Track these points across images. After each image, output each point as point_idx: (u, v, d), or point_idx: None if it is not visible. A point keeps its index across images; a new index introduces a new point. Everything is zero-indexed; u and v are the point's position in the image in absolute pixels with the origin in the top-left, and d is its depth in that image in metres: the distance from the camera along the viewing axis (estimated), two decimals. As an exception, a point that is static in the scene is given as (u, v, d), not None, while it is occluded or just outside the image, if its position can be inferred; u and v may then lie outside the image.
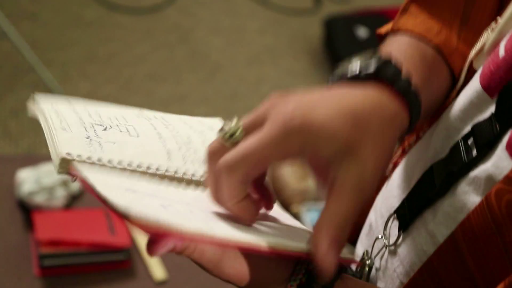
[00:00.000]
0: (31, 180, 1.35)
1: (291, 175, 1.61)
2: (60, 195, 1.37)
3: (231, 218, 0.48)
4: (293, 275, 0.48)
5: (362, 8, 2.97)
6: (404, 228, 0.55)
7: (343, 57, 2.59)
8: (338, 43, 2.72)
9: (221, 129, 0.48)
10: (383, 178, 0.64)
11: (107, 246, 1.30)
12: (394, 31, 0.61)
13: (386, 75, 0.50)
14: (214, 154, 0.48)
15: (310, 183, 1.61)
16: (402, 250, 0.55)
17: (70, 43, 2.63)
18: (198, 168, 0.55)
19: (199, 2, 3.03)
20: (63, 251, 1.28)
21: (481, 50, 0.55)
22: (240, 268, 0.48)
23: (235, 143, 0.47)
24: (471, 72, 0.56)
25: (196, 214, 0.48)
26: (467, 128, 0.52)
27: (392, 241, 0.56)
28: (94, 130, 0.55)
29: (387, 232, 0.57)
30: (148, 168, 0.53)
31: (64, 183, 1.39)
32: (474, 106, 0.52)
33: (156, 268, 1.31)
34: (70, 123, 0.55)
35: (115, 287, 1.30)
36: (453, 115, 0.55)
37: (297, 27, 2.99)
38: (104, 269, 1.31)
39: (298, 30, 2.97)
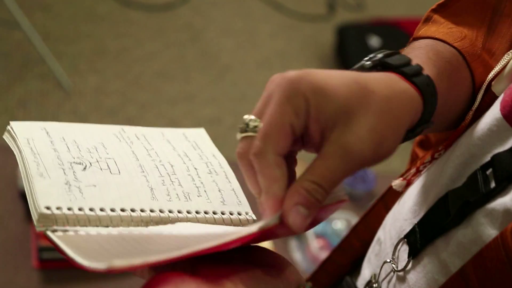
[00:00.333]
0: (34, 171, 1.35)
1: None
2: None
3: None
4: None
5: (376, 17, 2.95)
6: (414, 255, 0.54)
7: (354, 65, 2.57)
8: (349, 51, 2.71)
9: (239, 128, 0.47)
10: (394, 195, 0.63)
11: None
12: (415, 39, 0.59)
13: (393, 62, 0.49)
14: (242, 154, 0.46)
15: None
16: (412, 276, 0.54)
17: (82, 36, 2.63)
18: (183, 203, 0.54)
19: (212, 2, 3.03)
20: (63, 245, 1.28)
21: (500, 72, 0.54)
22: None
23: (256, 132, 0.46)
24: (490, 96, 0.55)
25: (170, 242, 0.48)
26: (486, 157, 0.51)
27: (400, 266, 0.55)
28: (73, 172, 0.53)
29: (395, 256, 0.56)
30: (132, 210, 0.51)
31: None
32: (494, 134, 0.51)
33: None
34: (48, 166, 0.52)
35: (113, 282, 1.30)
36: (471, 141, 0.53)
37: (310, 33, 2.98)
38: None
39: (310, 36, 2.96)
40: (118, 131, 0.60)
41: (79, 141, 0.56)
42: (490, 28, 0.59)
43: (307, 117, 0.45)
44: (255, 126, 0.46)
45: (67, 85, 2.35)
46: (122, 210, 0.51)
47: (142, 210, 0.52)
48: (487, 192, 0.49)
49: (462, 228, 0.50)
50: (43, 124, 0.57)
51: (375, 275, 0.58)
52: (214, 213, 0.55)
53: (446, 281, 0.49)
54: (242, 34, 2.89)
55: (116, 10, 2.82)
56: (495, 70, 0.55)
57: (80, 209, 0.50)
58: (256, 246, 0.49)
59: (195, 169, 0.57)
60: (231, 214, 0.55)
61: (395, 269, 0.55)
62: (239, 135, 0.47)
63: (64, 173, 0.52)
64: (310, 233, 1.47)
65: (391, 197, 0.64)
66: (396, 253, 0.56)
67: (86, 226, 0.50)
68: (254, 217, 0.56)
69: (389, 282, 0.56)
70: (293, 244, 1.49)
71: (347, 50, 2.73)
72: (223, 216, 0.55)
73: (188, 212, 0.53)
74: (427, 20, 0.61)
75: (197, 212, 0.54)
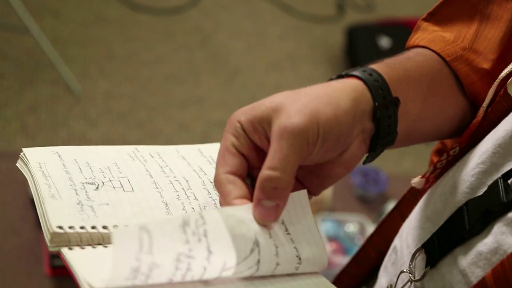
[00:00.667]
0: (46, 178, 1.35)
1: (307, 184, 1.59)
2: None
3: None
4: None
5: (385, 18, 2.94)
6: (432, 264, 0.53)
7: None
8: (359, 52, 2.70)
9: None
10: (409, 203, 0.62)
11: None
12: (407, 49, 0.62)
13: (344, 73, 0.54)
14: None
15: (326, 193, 1.59)
16: (430, 286, 0.53)
17: (91, 41, 2.63)
18: None
19: (221, 5, 3.03)
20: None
21: None
22: None
23: None
24: (509, 99, 0.54)
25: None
26: (508, 166, 0.50)
27: (418, 275, 0.54)
28: (86, 192, 0.52)
29: (412, 265, 0.55)
30: None
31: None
32: None
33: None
34: (60, 187, 0.51)
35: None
36: (491, 148, 0.53)
37: (319, 34, 2.97)
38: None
39: (319, 38, 2.96)
40: (131, 151, 0.58)
41: (92, 162, 0.55)
42: (477, 31, 0.60)
43: (246, 135, 0.50)
44: None
45: (77, 90, 2.35)
46: None
47: None
48: (509, 201, 0.48)
49: (482, 238, 0.49)
50: (55, 149, 0.56)
51: (391, 285, 0.57)
52: None
53: None
54: (251, 37, 2.89)
55: (125, 14, 2.82)
56: (509, 68, 0.54)
57: (93, 227, 0.48)
58: None
59: (211, 182, 0.56)
60: None
61: (412, 278, 0.54)
62: None
63: (76, 194, 0.51)
64: (323, 237, 1.46)
65: (406, 205, 0.63)
66: (413, 262, 0.55)
67: (100, 244, 0.48)
68: None
69: None
70: (305, 247, 1.49)
71: (357, 51, 2.72)
72: None
73: None
74: (417, 29, 0.63)
75: None
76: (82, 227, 0.48)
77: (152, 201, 0.53)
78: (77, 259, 0.46)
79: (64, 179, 0.52)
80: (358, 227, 1.55)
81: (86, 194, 0.51)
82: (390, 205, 1.58)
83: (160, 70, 2.60)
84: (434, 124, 0.59)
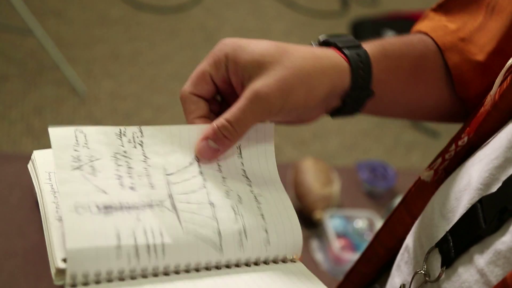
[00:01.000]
0: (52, 179, 1.34)
1: (315, 180, 1.58)
2: (81, 195, 1.35)
3: None
4: None
5: (390, 11, 2.92)
6: (447, 264, 0.51)
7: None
8: (364, 47, 2.69)
9: None
10: (415, 197, 0.61)
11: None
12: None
13: (331, 40, 0.57)
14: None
15: (334, 189, 1.58)
16: (446, 286, 0.51)
17: (95, 41, 2.62)
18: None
19: (225, 2, 3.01)
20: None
21: None
22: None
23: None
24: None
25: None
26: None
27: (433, 275, 0.53)
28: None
29: (427, 265, 0.54)
30: None
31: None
32: None
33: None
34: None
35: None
36: (505, 142, 0.51)
37: (324, 29, 2.96)
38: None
39: (324, 33, 2.93)
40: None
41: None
42: (481, 24, 0.60)
43: (226, 71, 0.54)
44: None
45: (81, 90, 2.34)
46: (154, 270, 0.47)
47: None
48: None
49: (499, 236, 0.48)
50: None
51: (404, 285, 0.56)
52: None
53: None
54: (255, 33, 2.88)
55: (128, 13, 2.81)
56: None
57: (108, 273, 0.45)
58: None
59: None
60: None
61: (428, 279, 0.53)
62: None
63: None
64: (331, 233, 1.44)
65: (413, 200, 0.62)
66: (428, 262, 0.54)
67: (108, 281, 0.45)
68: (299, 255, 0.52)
69: None
70: (314, 245, 1.47)
71: (362, 45, 2.71)
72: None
73: (228, 264, 0.49)
74: (424, 18, 0.64)
75: (228, 263, 0.50)
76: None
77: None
78: None
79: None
80: (367, 223, 1.54)
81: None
82: (399, 200, 1.56)
83: (164, 69, 2.59)
84: (408, 109, 0.62)
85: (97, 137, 0.50)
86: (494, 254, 0.47)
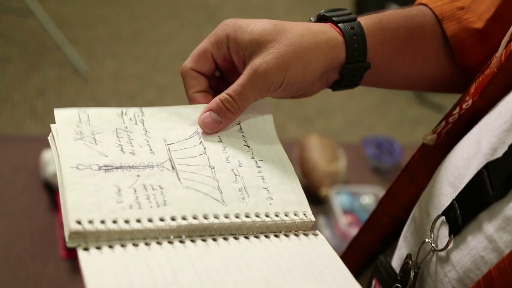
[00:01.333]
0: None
1: (321, 157, 1.57)
2: (86, 176, 1.35)
3: None
4: None
5: (394, -14, 2.89)
6: (455, 232, 0.51)
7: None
8: (368, 22, 2.67)
9: None
10: (419, 164, 0.60)
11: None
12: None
13: (328, 14, 0.59)
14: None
15: (340, 165, 1.57)
16: (455, 255, 0.50)
17: (96, 22, 2.60)
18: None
19: (227, -21, 2.99)
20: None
21: None
22: None
23: None
24: None
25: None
26: None
27: (441, 244, 0.52)
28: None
29: (434, 234, 0.53)
30: (173, 219, 0.48)
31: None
32: None
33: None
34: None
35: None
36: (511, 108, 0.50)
37: (327, 5, 2.93)
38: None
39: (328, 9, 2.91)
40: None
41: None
42: None
43: (227, 50, 0.57)
44: None
45: (84, 71, 2.33)
46: (161, 219, 0.48)
47: (184, 218, 0.48)
48: None
49: (507, 201, 0.47)
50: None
51: (411, 255, 0.55)
52: (267, 215, 0.51)
53: (496, 265, 0.45)
54: (258, 11, 2.85)
55: (129, -8, 2.79)
56: None
57: (114, 222, 0.47)
58: None
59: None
60: (285, 215, 0.52)
61: (435, 248, 0.52)
62: None
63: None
64: (338, 209, 1.44)
65: (416, 167, 0.61)
66: (435, 231, 0.53)
67: (121, 239, 0.46)
68: (313, 218, 0.52)
69: (429, 262, 0.53)
70: (321, 221, 1.47)
71: (366, 21, 2.69)
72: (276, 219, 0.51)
73: (237, 217, 0.50)
74: None
75: (236, 216, 0.50)
76: (102, 222, 0.46)
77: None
78: (90, 265, 0.45)
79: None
80: (373, 198, 1.53)
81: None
82: (406, 176, 1.55)
83: (167, 48, 2.57)
84: (409, 80, 0.63)
85: (99, 116, 0.54)
86: (503, 220, 0.47)
